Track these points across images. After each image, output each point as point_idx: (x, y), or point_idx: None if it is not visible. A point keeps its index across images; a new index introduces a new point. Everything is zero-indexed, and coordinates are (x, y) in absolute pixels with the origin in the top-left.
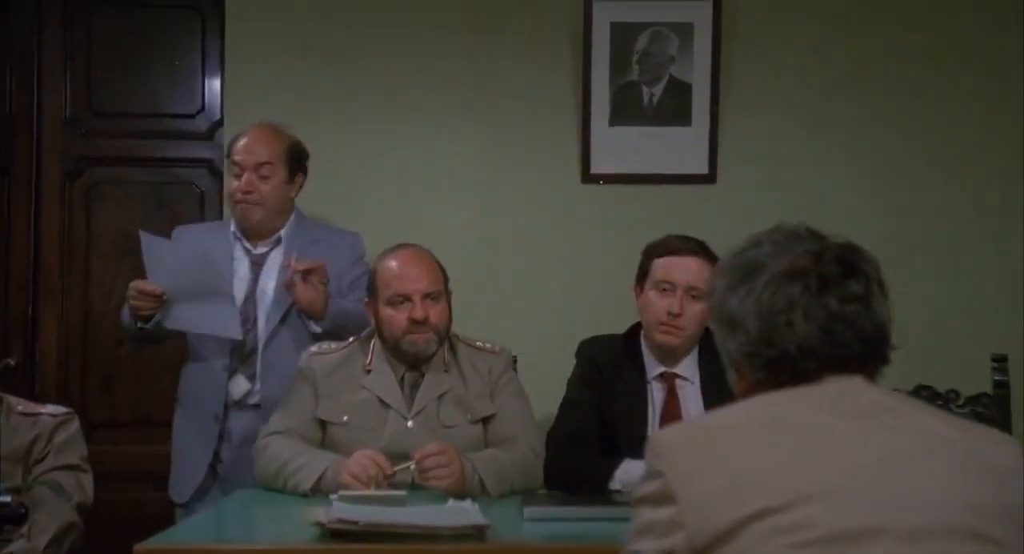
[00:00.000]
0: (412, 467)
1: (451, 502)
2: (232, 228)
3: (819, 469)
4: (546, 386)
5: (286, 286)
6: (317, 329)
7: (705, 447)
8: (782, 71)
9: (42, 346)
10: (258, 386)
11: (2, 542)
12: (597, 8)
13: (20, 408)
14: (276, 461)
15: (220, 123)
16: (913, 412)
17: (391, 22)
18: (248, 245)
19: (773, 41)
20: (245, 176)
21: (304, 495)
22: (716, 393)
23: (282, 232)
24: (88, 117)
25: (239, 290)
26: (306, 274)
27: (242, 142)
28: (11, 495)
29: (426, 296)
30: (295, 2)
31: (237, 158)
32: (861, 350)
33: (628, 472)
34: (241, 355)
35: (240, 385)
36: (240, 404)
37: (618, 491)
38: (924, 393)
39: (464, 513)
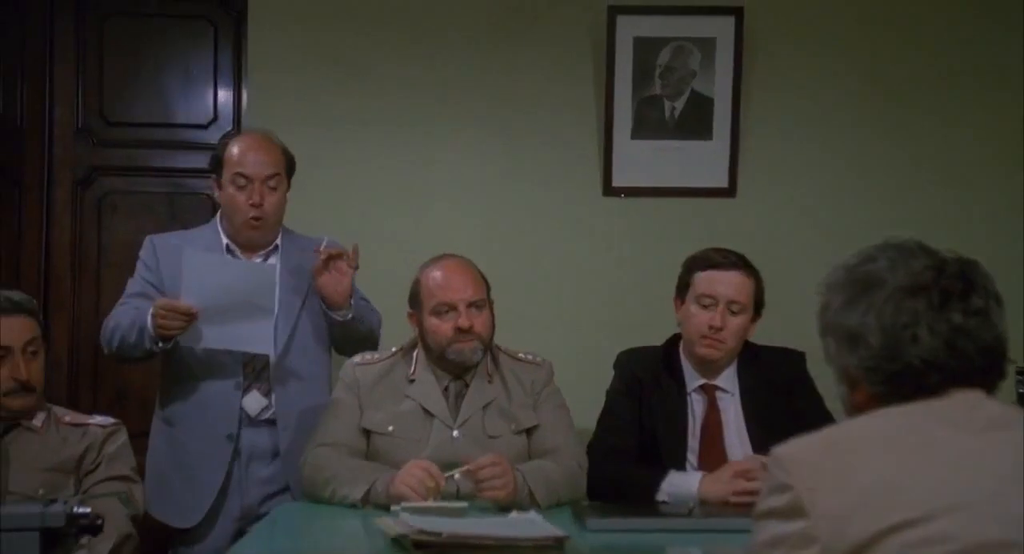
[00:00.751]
0: (456, 476)
1: (514, 513)
2: (225, 240)
3: (951, 482)
4: (565, 396)
5: (313, 273)
6: (338, 319)
7: (833, 460)
8: (803, 87)
9: (52, 357)
10: (274, 400)
11: (64, 552)
12: (620, 22)
13: (68, 419)
14: (324, 473)
15: (234, 133)
16: None
17: (413, 34)
18: (242, 256)
19: (794, 57)
20: (256, 189)
21: (353, 506)
22: (755, 404)
23: (278, 241)
24: (100, 127)
25: None
26: (330, 261)
27: (245, 153)
28: (89, 507)
29: (471, 305)
30: (317, 13)
31: (244, 170)
32: (983, 363)
33: (674, 483)
34: (254, 370)
35: (256, 401)
36: (254, 421)
37: (665, 502)
38: None
39: (535, 525)
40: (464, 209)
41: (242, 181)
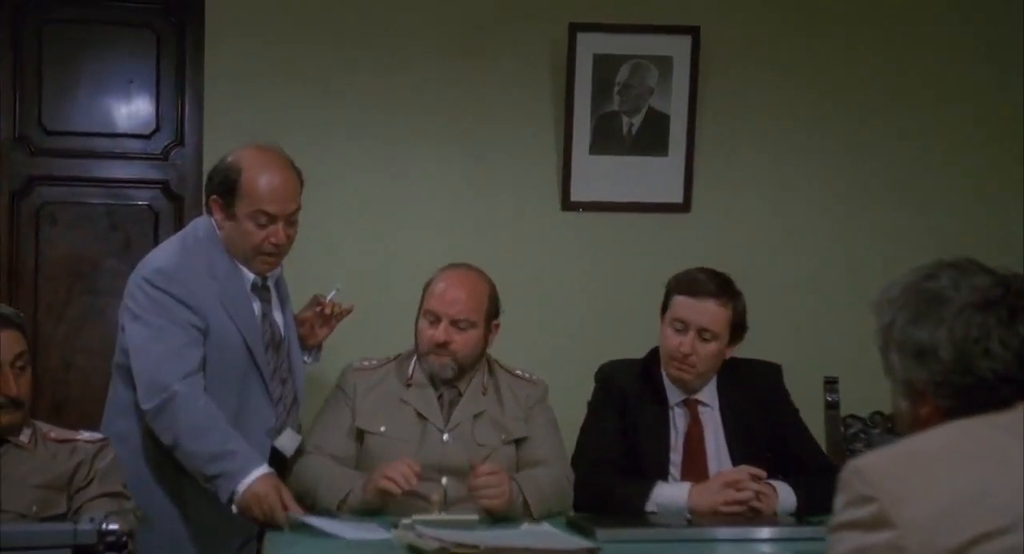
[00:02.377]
0: (444, 481)
1: (525, 525)
2: (250, 276)
3: None
4: None
5: (301, 321)
6: (310, 361)
7: (915, 472)
8: (756, 105)
9: None
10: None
11: None
12: (581, 40)
13: (53, 435)
14: (306, 480)
15: (177, 143)
16: None
17: (374, 48)
18: (257, 280)
19: (748, 76)
20: (279, 228)
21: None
22: (735, 417)
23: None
24: (38, 135)
25: (266, 338)
26: (328, 316)
27: (272, 189)
28: (117, 524)
29: (454, 322)
30: (276, 24)
31: (270, 209)
32: None
33: (663, 494)
34: (285, 408)
35: (291, 439)
36: (286, 460)
37: (654, 513)
38: None
39: (558, 536)
40: (424, 221)
41: (264, 220)
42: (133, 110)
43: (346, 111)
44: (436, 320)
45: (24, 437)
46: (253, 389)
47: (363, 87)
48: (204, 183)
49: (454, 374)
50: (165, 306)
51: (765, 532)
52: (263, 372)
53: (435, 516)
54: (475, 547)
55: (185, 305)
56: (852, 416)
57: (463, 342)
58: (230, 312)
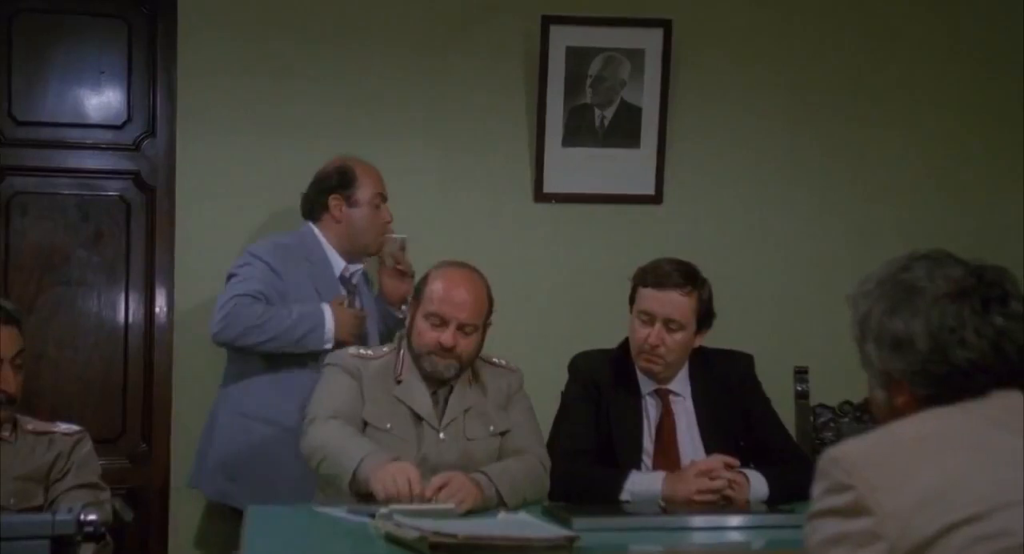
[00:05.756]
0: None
1: (502, 515)
2: (341, 265)
3: (1005, 480)
4: None
5: (380, 273)
6: (399, 315)
7: (892, 461)
8: (727, 98)
9: None
10: None
11: None
12: (554, 32)
13: (31, 427)
14: (324, 443)
15: (148, 134)
16: None
17: (346, 41)
18: (344, 272)
19: (720, 69)
20: (387, 206)
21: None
22: (707, 407)
23: None
24: (8, 126)
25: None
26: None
27: (375, 173)
28: (95, 514)
29: (461, 326)
30: (248, 18)
31: (382, 190)
32: (1021, 365)
33: (638, 483)
34: None
35: None
36: None
37: (627, 501)
38: None
39: (537, 525)
40: (397, 214)
41: (379, 200)
42: (104, 100)
43: (318, 104)
44: (442, 323)
45: (5, 430)
46: None
47: (335, 80)
48: (311, 197)
49: (456, 374)
50: (256, 266)
51: (737, 520)
52: None
53: (413, 506)
54: (454, 536)
55: (274, 272)
56: (821, 405)
57: (468, 345)
58: (320, 291)
